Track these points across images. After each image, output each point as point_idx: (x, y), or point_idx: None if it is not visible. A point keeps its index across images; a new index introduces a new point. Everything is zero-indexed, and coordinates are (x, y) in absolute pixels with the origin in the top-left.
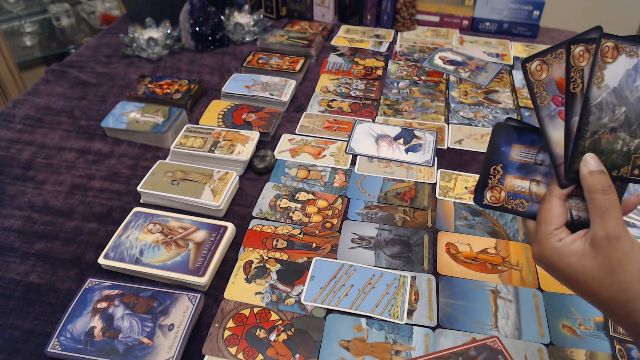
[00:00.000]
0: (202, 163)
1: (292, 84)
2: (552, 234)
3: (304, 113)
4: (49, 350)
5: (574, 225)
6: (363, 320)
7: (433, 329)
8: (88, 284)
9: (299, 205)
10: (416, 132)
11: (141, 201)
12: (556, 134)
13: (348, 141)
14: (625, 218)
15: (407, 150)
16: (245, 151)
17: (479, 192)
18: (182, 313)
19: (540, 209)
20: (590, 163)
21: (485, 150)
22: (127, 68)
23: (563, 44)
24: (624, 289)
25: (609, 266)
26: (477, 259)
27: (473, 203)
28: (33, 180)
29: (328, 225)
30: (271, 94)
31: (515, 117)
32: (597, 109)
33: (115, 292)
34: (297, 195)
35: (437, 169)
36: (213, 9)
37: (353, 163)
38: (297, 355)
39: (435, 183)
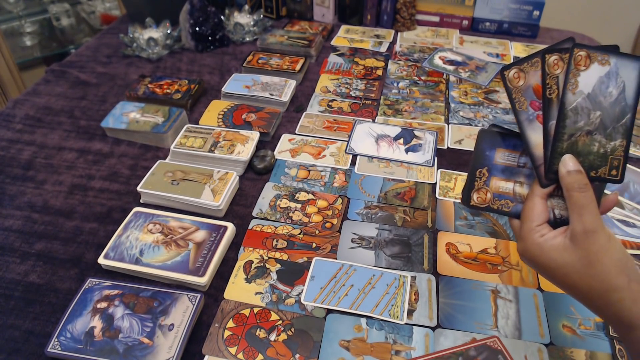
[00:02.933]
0: (202, 163)
1: (292, 84)
2: (534, 230)
3: (304, 113)
4: (49, 350)
5: (557, 223)
6: (363, 320)
7: (433, 329)
8: (88, 284)
9: (299, 205)
10: (416, 132)
11: (141, 201)
12: (535, 136)
13: (348, 141)
14: (625, 218)
15: (407, 150)
16: (245, 151)
17: (465, 193)
18: (182, 313)
19: (523, 208)
20: (568, 164)
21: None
22: (127, 68)
23: (538, 53)
24: (602, 279)
25: (587, 259)
26: (477, 259)
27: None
28: (33, 180)
29: (328, 225)
30: (271, 94)
31: (497, 125)
32: (572, 113)
33: (115, 292)
34: (297, 195)
35: (437, 169)
36: (213, 9)
37: (353, 163)
38: (297, 355)
39: (435, 183)
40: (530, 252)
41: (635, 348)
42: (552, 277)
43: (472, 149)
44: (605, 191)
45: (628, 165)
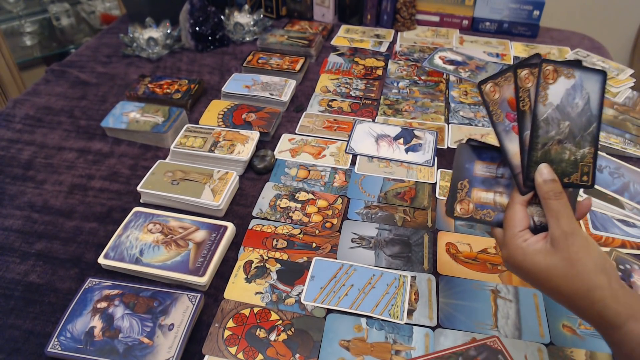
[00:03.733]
0: (202, 163)
1: (292, 83)
2: (517, 236)
3: (304, 113)
4: (49, 350)
5: (537, 229)
6: (363, 320)
7: (433, 328)
8: (88, 283)
9: (299, 205)
10: (416, 132)
11: (141, 201)
12: (512, 146)
13: (348, 141)
14: (625, 218)
15: (407, 150)
16: (245, 151)
17: (449, 205)
18: (182, 313)
19: (505, 215)
20: (543, 172)
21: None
22: (127, 68)
23: (510, 68)
24: (583, 279)
25: (568, 260)
26: (477, 259)
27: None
28: (33, 180)
29: (328, 225)
30: (271, 94)
31: (475, 139)
32: (544, 124)
33: (115, 292)
34: (297, 195)
35: (437, 169)
36: (213, 9)
37: (353, 163)
38: (297, 355)
39: (435, 183)
40: (515, 257)
41: (620, 348)
42: (537, 281)
43: (484, 142)
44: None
45: (628, 165)
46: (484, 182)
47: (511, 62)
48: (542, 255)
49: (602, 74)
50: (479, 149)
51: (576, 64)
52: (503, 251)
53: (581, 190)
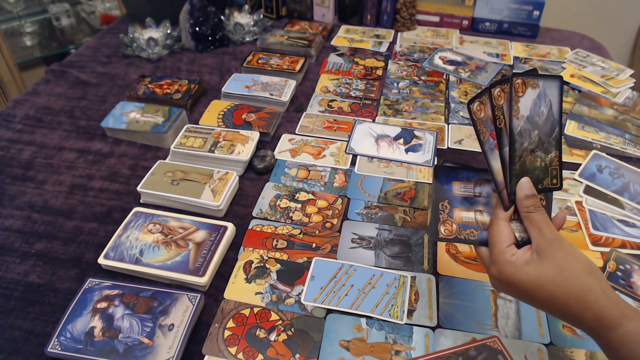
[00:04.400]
0: (202, 163)
1: (292, 84)
2: (505, 251)
3: (304, 113)
4: (49, 350)
5: (519, 245)
6: (363, 320)
7: (433, 329)
8: (88, 284)
9: (299, 205)
10: (416, 132)
11: (141, 201)
12: (496, 164)
13: (348, 141)
14: (625, 218)
15: (407, 150)
16: (245, 151)
17: (433, 228)
18: (182, 313)
19: (490, 233)
20: (524, 187)
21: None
22: (127, 68)
23: (487, 88)
24: (575, 282)
25: (557, 265)
26: (477, 259)
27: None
28: (33, 180)
29: (328, 225)
30: (271, 94)
31: (449, 160)
32: (519, 137)
33: (115, 292)
34: (297, 195)
35: None
36: (213, 9)
37: (353, 163)
38: (297, 355)
39: None
40: (505, 272)
41: (617, 350)
42: (530, 293)
43: (473, 149)
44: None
45: (628, 165)
46: (463, 202)
47: (511, 62)
48: (532, 265)
49: (559, 78)
50: (455, 169)
51: (535, 73)
52: (492, 269)
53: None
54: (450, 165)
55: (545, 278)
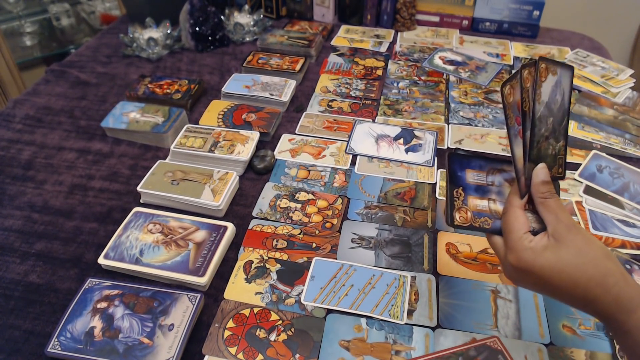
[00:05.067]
0: (202, 163)
1: (292, 84)
2: (523, 238)
3: (304, 113)
4: (49, 350)
5: (533, 235)
6: (363, 320)
7: (433, 329)
8: (88, 284)
9: (299, 205)
10: (416, 132)
11: (141, 201)
12: (518, 150)
13: (348, 141)
14: (625, 218)
15: (407, 150)
16: (245, 151)
17: (448, 214)
18: (182, 313)
19: (505, 221)
20: (541, 174)
21: (485, 150)
22: (127, 68)
23: (519, 70)
24: (595, 265)
25: (576, 248)
26: (477, 259)
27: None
28: (33, 180)
29: (328, 225)
30: (271, 94)
31: (461, 148)
32: (539, 122)
33: (115, 292)
34: (297, 195)
35: (437, 169)
36: (213, 9)
37: (353, 163)
38: (297, 355)
39: (435, 183)
40: (524, 258)
41: (636, 334)
42: (549, 279)
43: (472, 150)
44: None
45: (628, 165)
46: (477, 190)
47: (511, 62)
48: (550, 250)
49: (571, 68)
50: (468, 157)
51: (555, 60)
52: (510, 257)
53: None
54: (463, 153)
55: (565, 262)
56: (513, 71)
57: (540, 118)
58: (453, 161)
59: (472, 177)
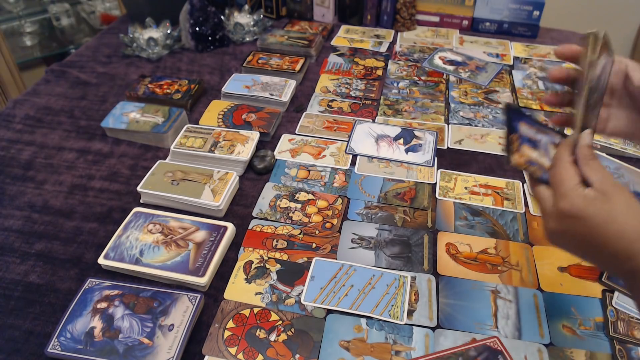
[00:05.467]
0: (202, 163)
1: (292, 84)
2: (577, 187)
3: (304, 113)
4: (49, 350)
5: None
6: (363, 321)
7: (433, 329)
8: (88, 284)
9: (299, 206)
10: (416, 132)
11: (141, 201)
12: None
13: (348, 141)
14: None
15: (407, 151)
16: (245, 151)
17: (506, 153)
18: (182, 313)
19: (556, 172)
20: (588, 137)
21: (485, 150)
22: (127, 68)
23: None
24: None
25: (626, 202)
26: (477, 259)
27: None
28: (33, 180)
29: (328, 225)
30: (271, 94)
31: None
32: (593, 90)
33: (115, 292)
34: (297, 195)
35: (437, 169)
36: (213, 9)
37: (353, 163)
38: (297, 356)
39: (435, 183)
40: (578, 205)
41: None
42: (597, 229)
43: (473, 149)
44: None
45: (628, 165)
46: (530, 142)
47: (511, 62)
48: (601, 201)
49: (612, 60)
50: (521, 112)
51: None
52: (561, 203)
53: None
54: (518, 108)
55: (616, 212)
56: (513, 72)
57: (594, 88)
58: (510, 110)
59: (525, 129)
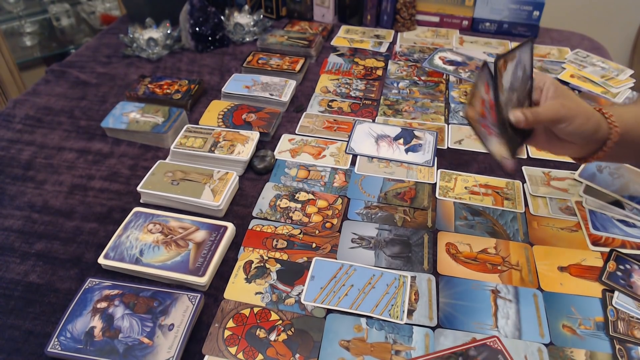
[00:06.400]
0: (202, 163)
1: (292, 84)
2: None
3: (304, 113)
4: (49, 350)
5: None
6: (363, 320)
7: (433, 329)
8: (88, 284)
9: (299, 205)
10: (416, 132)
11: (141, 201)
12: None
13: (348, 141)
14: (625, 218)
15: (407, 151)
16: (245, 151)
17: (466, 103)
18: (182, 313)
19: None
20: (518, 115)
21: (485, 150)
22: (127, 68)
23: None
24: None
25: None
26: (477, 259)
27: (471, 203)
28: (33, 180)
29: (328, 225)
30: (271, 94)
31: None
32: (505, 106)
33: (115, 292)
34: (297, 195)
35: (437, 169)
36: (213, 9)
37: (353, 163)
38: (297, 355)
39: (435, 183)
40: (560, 87)
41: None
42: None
43: (473, 149)
44: None
45: (628, 165)
46: (485, 104)
47: None
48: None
49: (531, 41)
50: (491, 76)
51: (513, 49)
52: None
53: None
54: (490, 72)
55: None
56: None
57: (506, 102)
58: (485, 71)
59: (483, 91)
